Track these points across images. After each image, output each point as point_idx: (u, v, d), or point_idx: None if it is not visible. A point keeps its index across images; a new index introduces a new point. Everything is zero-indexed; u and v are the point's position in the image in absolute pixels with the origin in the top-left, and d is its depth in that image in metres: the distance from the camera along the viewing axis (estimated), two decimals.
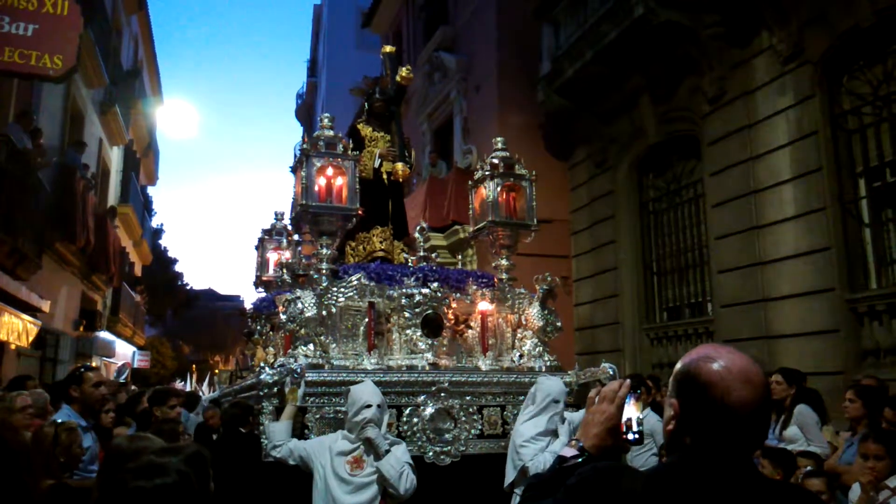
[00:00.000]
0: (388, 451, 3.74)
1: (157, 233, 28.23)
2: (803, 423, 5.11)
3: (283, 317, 4.54)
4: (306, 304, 4.45)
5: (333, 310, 4.65)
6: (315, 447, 3.88)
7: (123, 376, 15.48)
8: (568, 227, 11.66)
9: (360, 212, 4.99)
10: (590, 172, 11.19)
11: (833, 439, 5.19)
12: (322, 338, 4.56)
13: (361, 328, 4.78)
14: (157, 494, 1.60)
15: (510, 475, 3.97)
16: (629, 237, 10.29)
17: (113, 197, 17.85)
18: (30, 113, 9.96)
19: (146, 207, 23.27)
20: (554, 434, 4.03)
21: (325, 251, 4.87)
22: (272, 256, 7.03)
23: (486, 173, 5.54)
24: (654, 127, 9.75)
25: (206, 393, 16.57)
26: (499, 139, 5.85)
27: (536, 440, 3.92)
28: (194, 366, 32.53)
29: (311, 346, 4.45)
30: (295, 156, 37.80)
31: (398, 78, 6.30)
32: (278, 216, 7.34)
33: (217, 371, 32.98)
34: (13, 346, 9.44)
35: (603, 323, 10.67)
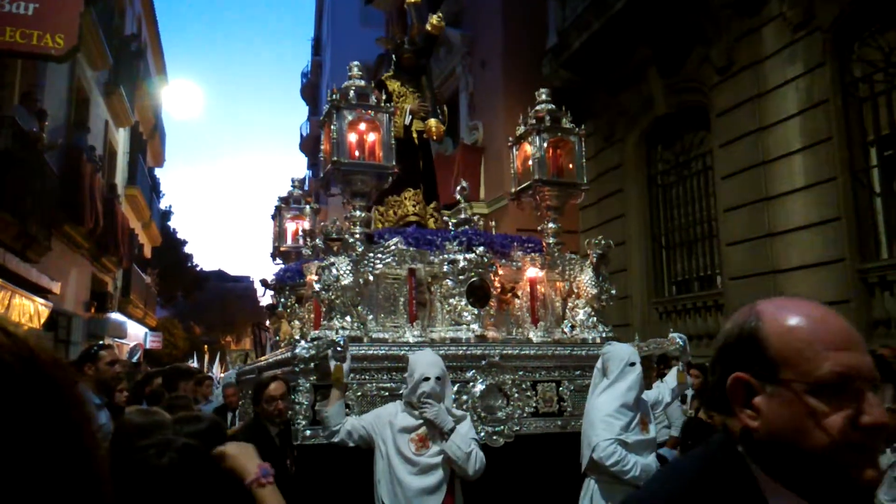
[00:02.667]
0: (452, 430, 3.37)
1: (166, 214, 28.30)
2: None
3: (315, 286, 4.18)
4: (342, 271, 4.09)
5: (371, 277, 4.28)
6: (374, 422, 3.52)
7: (136, 357, 15.64)
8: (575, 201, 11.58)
9: (395, 170, 4.58)
10: (597, 146, 11.10)
11: None
12: (359, 308, 4.19)
13: (400, 298, 4.42)
14: (164, 471, 1.60)
15: (586, 456, 3.62)
16: (637, 211, 10.23)
17: (120, 179, 17.89)
18: (34, 94, 9.94)
19: (154, 189, 23.31)
20: (637, 409, 3.63)
21: (358, 213, 4.47)
22: (290, 226, 6.76)
23: (532, 127, 5.06)
24: (662, 99, 9.64)
25: (216, 373, 16.71)
26: (543, 90, 5.40)
27: (618, 415, 3.53)
28: (206, 346, 32.77)
29: (347, 318, 4.08)
30: (301, 135, 37.75)
31: (428, 27, 5.85)
32: (295, 183, 7.03)
33: (228, 351, 33.24)
34: (25, 328, 9.51)
35: None
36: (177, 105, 23.42)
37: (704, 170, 9.26)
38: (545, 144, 5.03)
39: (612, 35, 9.54)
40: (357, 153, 4.45)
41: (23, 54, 8.03)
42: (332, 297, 4.06)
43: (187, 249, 31.91)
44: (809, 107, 7.41)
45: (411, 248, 4.48)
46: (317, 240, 4.63)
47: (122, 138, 18.01)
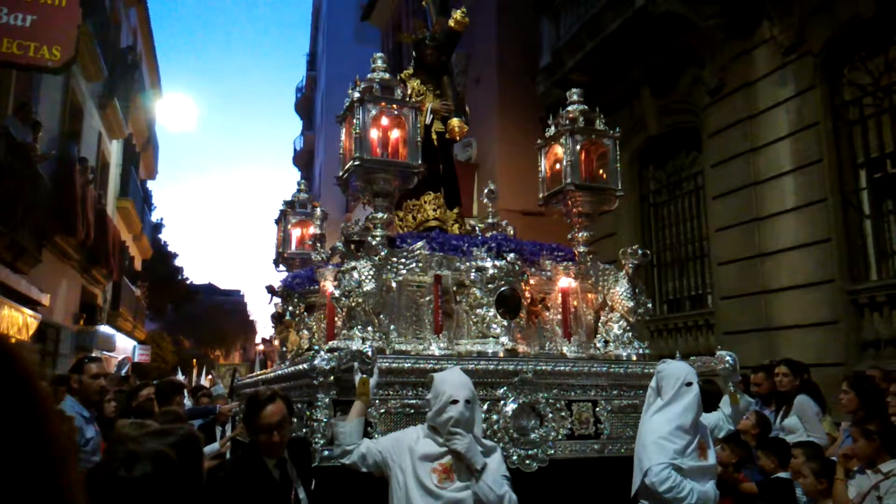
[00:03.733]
0: (484, 467, 3.00)
1: (157, 227, 28.24)
2: (803, 413, 5.12)
3: (335, 292, 3.85)
4: (364, 276, 3.75)
5: (393, 284, 3.96)
6: (392, 447, 3.13)
7: (124, 370, 15.50)
8: (567, 222, 11.64)
9: (422, 169, 4.26)
10: None
11: (832, 430, 5.20)
12: (381, 317, 3.87)
13: (423, 307, 4.09)
14: (134, 484, 1.59)
15: (637, 481, 3.38)
16: (629, 229, 10.28)
17: (112, 191, 17.84)
18: (29, 105, 9.93)
19: (146, 201, 23.26)
20: (695, 432, 3.37)
21: (380, 215, 4.12)
22: (294, 232, 6.43)
23: (565, 128, 4.72)
24: (654, 119, 9.73)
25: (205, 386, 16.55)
26: (574, 90, 5.06)
27: (673, 438, 3.28)
28: (195, 360, 32.54)
29: (369, 328, 3.74)
30: (295, 149, 37.71)
31: (451, 22, 5.51)
32: (301, 186, 6.76)
33: (217, 365, 33.02)
34: (13, 340, 9.43)
35: None
36: (170, 118, 23.42)
37: (696, 189, 9.33)
38: (578, 147, 4.70)
39: (606, 55, 9.64)
40: (379, 151, 4.15)
41: (19, 66, 8.04)
42: (353, 304, 3.72)
43: (178, 262, 31.84)
44: (800, 129, 7.50)
45: (437, 254, 4.17)
46: (336, 242, 4.23)
47: (115, 150, 17.99)
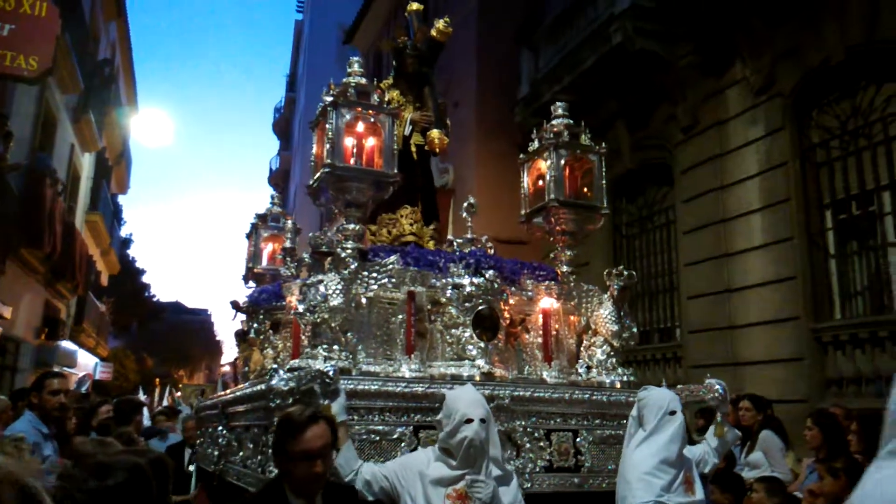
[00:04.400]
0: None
1: (126, 242, 27.83)
2: (768, 448, 5.17)
3: (299, 306, 3.61)
4: (331, 291, 3.50)
5: (363, 300, 3.73)
6: (400, 472, 2.93)
7: (85, 387, 15.11)
8: (541, 249, 11.72)
9: (398, 179, 4.04)
10: None
11: (795, 466, 5.26)
12: (349, 335, 3.62)
13: (395, 326, 3.87)
14: (108, 492, 1.55)
15: None
16: (601, 260, 10.35)
17: (82, 204, 17.56)
18: (4, 116, 9.78)
19: (116, 216, 22.93)
20: (680, 465, 3.19)
21: (352, 226, 3.88)
22: (266, 247, 6.17)
23: (549, 141, 4.51)
24: (628, 153, 9.89)
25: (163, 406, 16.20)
26: (559, 104, 4.87)
27: (659, 473, 3.09)
28: (157, 379, 31.91)
29: (335, 346, 3.50)
30: (271, 169, 37.53)
31: (433, 32, 5.32)
32: (275, 200, 6.53)
33: (181, 385, 32.41)
34: None
35: None
36: (146, 133, 23.25)
37: (667, 224, 9.48)
38: (562, 162, 4.49)
39: (583, 89, 9.81)
40: (353, 160, 3.93)
41: None
42: (318, 320, 3.48)
43: (145, 279, 31.36)
44: (769, 168, 7.68)
45: (412, 269, 3.93)
46: (303, 254, 3.96)
47: (87, 163, 17.75)
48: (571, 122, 4.67)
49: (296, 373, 3.09)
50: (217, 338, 50.84)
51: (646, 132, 9.58)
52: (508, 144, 11.78)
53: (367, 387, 3.34)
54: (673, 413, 3.22)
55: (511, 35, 11.65)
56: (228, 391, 5.42)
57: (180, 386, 31.87)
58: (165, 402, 18.49)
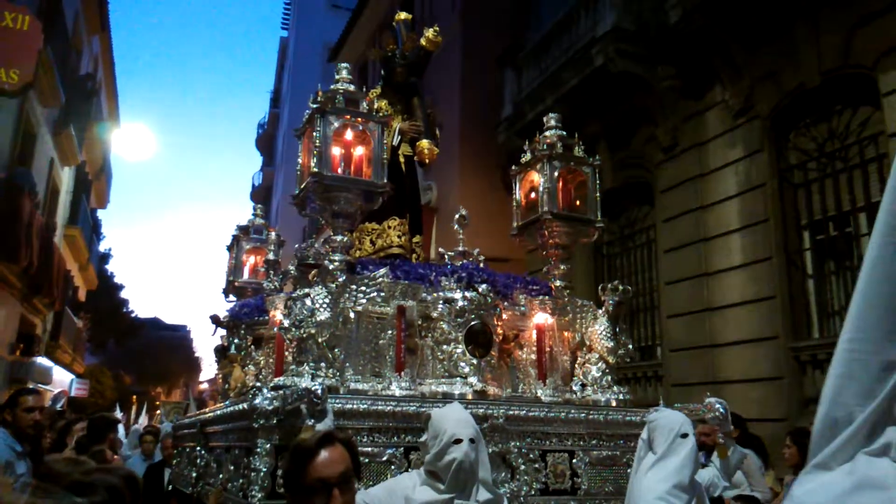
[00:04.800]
0: None
1: (105, 257, 27.52)
2: (748, 468, 5.18)
3: (284, 321, 3.47)
4: (319, 304, 3.35)
5: (351, 314, 3.58)
6: (384, 498, 2.70)
7: (60, 404, 14.86)
8: (524, 267, 11.76)
9: (388, 189, 3.88)
10: None
11: (774, 485, 5.29)
12: (336, 351, 3.45)
13: (383, 342, 3.72)
14: None
15: None
16: (583, 279, 10.42)
17: (61, 218, 17.37)
18: None
19: (95, 230, 22.69)
20: (693, 490, 3.02)
21: (339, 238, 3.73)
22: (248, 260, 6.01)
23: (543, 153, 4.43)
24: (609, 172, 9.97)
25: (141, 425, 15.97)
26: (552, 115, 4.79)
27: (671, 499, 2.92)
28: (135, 397, 31.45)
29: (322, 363, 3.32)
30: (253, 185, 37.38)
31: (423, 41, 5.22)
32: (257, 211, 6.36)
33: (159, 402, 31.95)
34: None
35: None
36: (127, 148, 23.07)
37: (648, 243, 9.56)
38: (556, 174, 4.41)
39: (565, 109, 9.89)
40: (340, 170, 3.80)
41: None
42: (304, 335, 3.32)
43: (123, 294, 30.98)
44: (748, 189, 7.79)
45: (402, 282, 3.79)
46: (289, 266, 3.81)
47: (66, 177, 17.59)
48: (565, 133, 4.59)
49: (281, 391, 2.96)
50: (196, 354, 50.27)
51: (627, 152, 9.69)
52: (491, 164, 11.87)
53: (355, 406, 3.18)
54: (685, 436, 3.08)
55: (494, 55, 11.77)
56: (206, 409, 5.32)
57: (157, 403, 31.42)
58: (143, 421, 18.24)
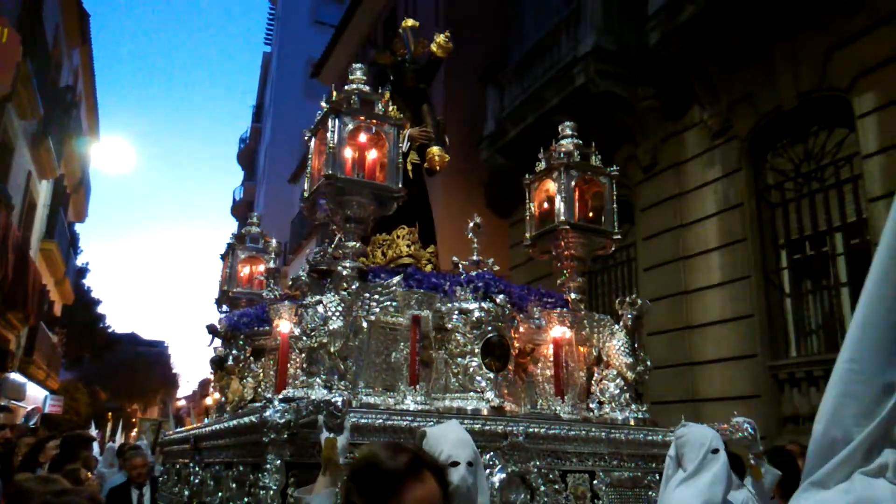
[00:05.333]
0: None
1: (82, 272, 27.14)
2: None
3: (295, 329, 3.32)
4: (331, 312, 3.18)
5: (364, 324, 3.40)
6: None
7: (33, 421, 14.58)
8: (519, 280, 11.78)
9: (403, 194, 3.73)
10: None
11: None
12: (348, 362, 3.26)
13: (395, 354, 3.55)
14: None
15: None
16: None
17: (37, 232, 17.14)
18: None
19: (72, 244, 22.41)
20: None
21: (352, 244, 3.55)
22: (243, 269, 5.79)
23: (560, 161, 4.31)
24: None
25: (116, 443, 15.70)
26: (567, 123, 4.68)
27: None
28: (110, 413, 30.93)
29: (335, 375, 3.14)
30: (234, 199, 37.13)
31: (434, 47, 5.08)
32: (253, 219, 6.14)
33: (136, 420, 31.46)
34: None
35: None
36: (107, 161, 22.85)
37: (628, 261, 9.61)
38: (573, 183, 4.27)
39: (546, 127, 9.97)
40: (352, 173, 3.66)
41: None
42: (315, 344, 3.14)
43: (100, 309, 30.53)
44: (726, 209, 7.88)
45: (418, 291, 3.62)
46: (299, 271, 3.55)
47: (44, 190, 17.38)
48: (580, 142, 4.48)
49: (293, 403, 2.76)
50: (174, 371, 49.59)
51: None
52: (474, 180, 11.91)
53: (370, 421, 2.98)
54: (716, 451, 2.92)
55: (477, 72, 11.84)
56: (200, 424, 5.09)
57: (134, 420, 30.92)
58: (119, 439, 17.93)
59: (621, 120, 9.17)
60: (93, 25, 19.33)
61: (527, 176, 4.62)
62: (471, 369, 3.45)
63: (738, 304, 7.56)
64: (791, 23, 7.17)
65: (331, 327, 3.16)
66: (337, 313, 3.20)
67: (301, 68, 27.28)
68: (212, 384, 5.44)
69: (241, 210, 34.43)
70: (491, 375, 3.43)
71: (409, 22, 5.34)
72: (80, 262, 25.95)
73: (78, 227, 24.83)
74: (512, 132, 10.57)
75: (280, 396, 3.04)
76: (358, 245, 3.60)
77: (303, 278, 3.49)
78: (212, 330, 4.87)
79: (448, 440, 2.51)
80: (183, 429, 5.90)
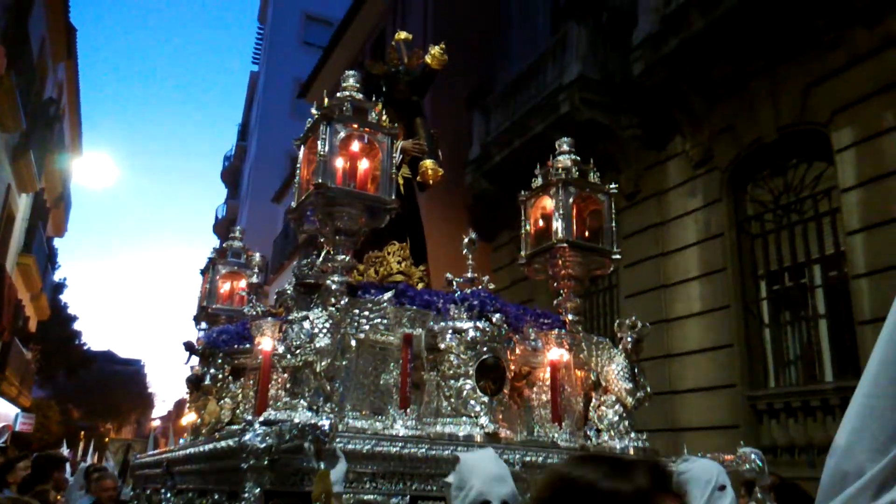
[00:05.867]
0: None
1: (59, 287, 26.74)
2: None
3: (278, 346, 3.12)
4: (318, 329, 3.01)
5: (353, 342, 3.24)
6: None
7: (2, 440, 14.24)
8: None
9: (397, 206, 3.57)
10: (512, 255, 11.40)
11: None
12: (334, 382, 3.08)
13: (384, 375, 3.37)
14: None
15: None
16: None
17: (14, 246, 16.90)
18: None
19: (50, 259, 22.11)
20: None
21: (341, 258, 3.37)
22: (224, 284, 5.55)
23: (558, 177, 4.19)
24: None
25: (87, 463, 15.33)
26: (564, 140, 4.56)
27: None
28: (83, 433, 30.33)
29: (319, 395, 2.95)
30: (217, 217, 36.95)
31: (428, 58, 4.96)
32: (235, 233, 5.89)
33: (108, 440, 30.90)
34: None
35: None
36: (88, 176, 22.65)
37: (610, 287, 9.64)
38: (571, 200, 4.13)
39: (531, 153, 10.03)
40: (344, 183, 3.48)
41: None
42: (300, 363, 2.96)
43: (77, 326, 30.06)
44: (706, 238, 7.95)
45: (410, 308, 3.46)
46: (285, 285, 3.38)
47: (23, 204, 17.18)
48: (578, 158, 4.37)
49: (275, 427, 2.56)
50: (149, 390, 48.85)
51: None
52: (458, 203, 11.94)
53: (357, 447, 2.80)
54: (723, 488, 2.74)
55: (464, 97, 11.92)
56: (175, 446, 4.86)
57: (107, 441, 30.35)
58: (91, 460, 17.54)
59: (605, 148, 9.24)
60: (79, 40, 19.30)
61: (522, 192, 4.51)
62: (464, 392, 3.27)
63: (718, 334, 7.59)
64: (772, 57, 7.31)
65: (317, 345, 2.98)
66: (324, 330, 3.03)
67: (288, 88, 27.35)
68: (187, 405, 5.20)
69: (224, 228, 34.24)
70: (485, 399, 3.27)
71: (402, 34, 5.23)
72: (57, 277, 25.59)
73: (57, 242, 24.53)
74: (497, 157, 10.63)
75: (261, 419, 2.85)
76: (347, 258, 3.44)
77: (288, 292, 3.30)
78: (189, 347, 4.66)
79: (480, 474, 2.16)
80: (156, 451, 5.73)
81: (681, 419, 7.82)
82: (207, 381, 4.24)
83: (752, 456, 3.31)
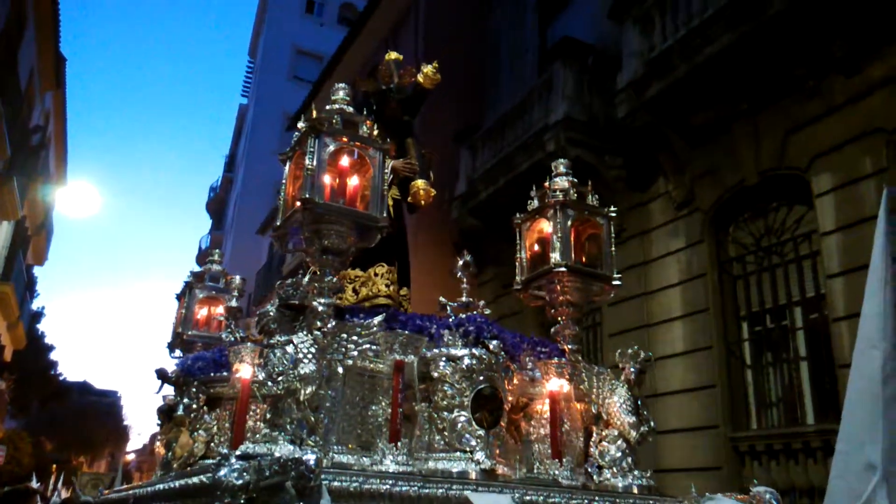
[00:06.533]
0: None
1: (37, 316, 26.38)
2: None
3: (259, 373, 2.91)
4: (302, 354, 2.81)
5: (339, 369, 3.02)
6: None
7: None
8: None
9: (387, 225, 3.39)
10: (496, 292, 11.42)
11: None
12: (319, 413, 2.85)
13: (373, 406, 3.13)
14: None
15: None
16: None
17: None
18: None
19: (29, 287, 21.83)
20: None
21: (328, 279, 3.16)
22: (200, 310, 5.27)
23: (555, 199, 4.04)
24: None
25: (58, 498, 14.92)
26: (561, 161, 4.41)
27: None
28: (55, 465, 29.57)
29: (303, 427, 2.74)
30: (200, 248, 36.78)
31: (420, 77, 4.80)
32: (215, 257, 5.61)
33: (79, 474, 30.13)
34: None
35: None
36: (72, 204, 22.52)
37: (594, 325, 9.66)
38: (569, 223, 3.99)
39: (517, 190, 10.11)
40: (333, 199, 3.29)
41: None
42: (282, 391, 2.75)
43: (53, 356, 29.59)
44: (689, 279, 8.01)
45: (403, 333, 3.26)
46: (267, 307, 3.13)
47: (3, 231, 17.00)
48: (576, 180, 4.22)
49: (254, 461, 2.30)
50: (125, 423, 47.88)
51: None
52: (444, 238, 11.96)
53: (344, 484, 2.55)
54: None
55: (451, 130, 12.04)
56: (145, 482, 4.54)
57: (79, 474, 29.60)
58: (60, 494, 17.07)
59: (590, 186, 9.35)
60: (68, 69, 19.35)
61: (517, 215, 4.35)
62: (459, 425, 3.03)
63: (701, 374, 7.60)
64: (753, 103, 7.47)
65: (301, 371, 2.77)
66: (309, 356, 2.82)
67: (277, 122, 27.53)
68: (158, 437, 4.79)
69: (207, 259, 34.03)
70: (482, 433, 3.03)
71: (393, 55, 5.09)
72: (36, 305, 25.26)
73: (37, 271, 24.25)
74: (483, 194, 10.71)
75: (237, 452, 2.57)
76: (335, 280, 3.23)
77: (271, 314, 3.03)
78: (161, 375, 4.31)
79: None
80: (123, 487, 5.31)
81: (664, 460, 7.78)
82: (180, 412, 3.96)
83: (767, 495, 3.17)
